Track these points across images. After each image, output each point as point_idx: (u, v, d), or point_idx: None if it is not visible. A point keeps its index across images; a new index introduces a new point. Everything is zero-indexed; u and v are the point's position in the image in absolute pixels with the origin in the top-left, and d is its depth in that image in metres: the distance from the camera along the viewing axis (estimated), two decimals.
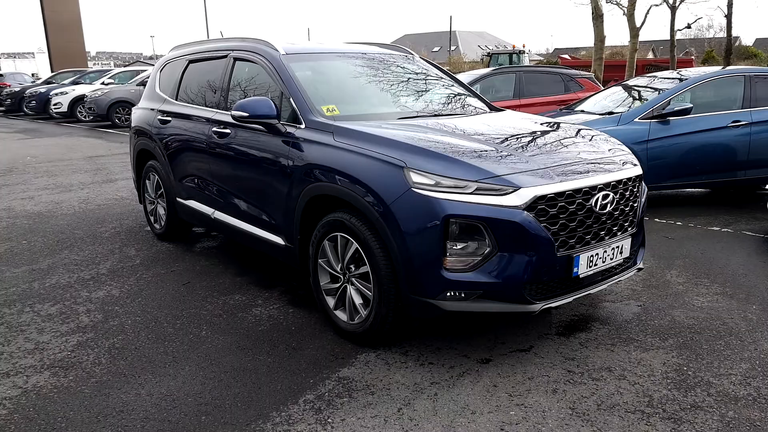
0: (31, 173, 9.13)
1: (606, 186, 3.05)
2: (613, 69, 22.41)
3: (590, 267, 2.99)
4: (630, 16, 19.86)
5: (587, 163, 3.12)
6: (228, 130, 4.05)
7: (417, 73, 4.44)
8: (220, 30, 75.59)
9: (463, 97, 4.36)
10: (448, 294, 2.79)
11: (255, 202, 3.88)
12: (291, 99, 3.61)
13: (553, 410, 2.57)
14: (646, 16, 30.44)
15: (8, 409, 2.63)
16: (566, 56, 41.38)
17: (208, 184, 4.39)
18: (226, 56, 4.38)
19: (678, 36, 27.16)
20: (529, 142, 3.31)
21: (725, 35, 24.40)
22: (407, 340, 3.25)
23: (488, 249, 2.76)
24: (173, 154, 4.80)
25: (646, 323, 3.45)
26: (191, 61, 4.90)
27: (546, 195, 2.80)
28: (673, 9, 22.32)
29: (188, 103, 4.73)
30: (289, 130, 3.54)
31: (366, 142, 3.11)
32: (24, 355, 3.15)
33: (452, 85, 4.48)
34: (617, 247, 3.13)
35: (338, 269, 3.27)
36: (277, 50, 3.95)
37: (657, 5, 21.49)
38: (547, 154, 3.11)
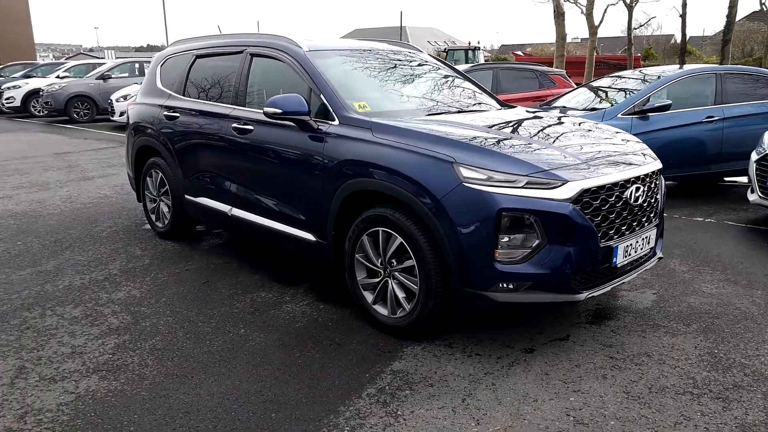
0: (0, 171, 8.73)
1: (637, 179, 3.21)
2: (572, 65, 23.12)
3: (626, 257, 3.15)
4: (588, 14, 20.52)
5: (619, 157, 3.27)
6: (250, 126, 4.02)
7: (430, 70, 4.52)
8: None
9: (476, 92, 4.46)
10: (500, 286, 2.88)
11: (281, 198, 3.87)
12: (321, 95, 3.62)
13: (609, 395, 2.70)
14: (603, 15, 31.49)
15: (68, 415, 2.57)
16: (519, 53, 42.22)
17: (224, 180, 4.35)
18: (241, 52, 4.34)
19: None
20: (561, 136, 3.44)
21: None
22: (448, 332, 3.34)
23: (538, 241, 2.86)
24: (182, 151, 4.72)
25: (666, 310, 3.65)
26: (198, 56, 4.82)
27: (590, 188, 2.93)
28: (630, 8, 23.17)
29: (198, 98, 4.66)
30: (321, 126, 3.55)
31: (409, 138, 3.17)
32: (64, 360, 3.07)
33: (463, 81, 4.57)
34: (646, 237, 3.30)
35: (378, 264, 3.32)
36: (300, 47, 3.95)
37: (614, 4, 22.23)
38: (581, 148, 3.24)
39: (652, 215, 3.38)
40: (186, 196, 4.79)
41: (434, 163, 2.98)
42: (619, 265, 3.11)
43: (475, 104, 4.24)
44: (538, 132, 3.51)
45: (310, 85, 3.72)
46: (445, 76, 4.52)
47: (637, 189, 3.19)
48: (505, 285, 2.88)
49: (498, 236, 2.83)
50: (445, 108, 3.94)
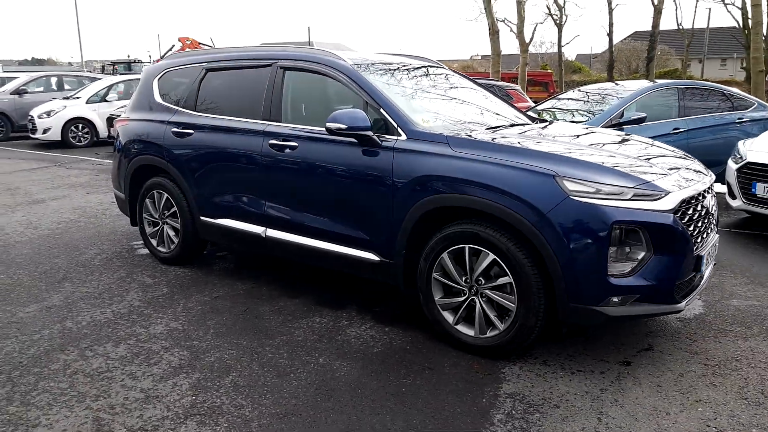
0: None
1: (709, 189, 3.33)
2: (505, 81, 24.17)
3: (706, 264, 3.25)
4: (520, 33, 21.56)
5: (691, 168, 3.39)
6: (293, 143, 3.79)
7: (464, 85, 4.49)
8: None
9: (511, 107, 4.49)
10: (612, 300, 2.87)
11: (335, 217, 3.67)
12: (382, 110, 3.48)
13: (731, 402, 2.76)
14: (533, 33, 33.21)
15: None
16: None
17: (256, 200, 4.06)
18: (269, 65, 4.10)
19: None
20: (632, 149, 3.50)
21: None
22: (530, 350, 3.27)
23: (644, 253, 2.89)
24: (197, 170, 4.36)
25: (720, 314, 3.80)
26: (210, 70, 4.50)
27: (687, 198, 3.00)
28: (560, 27, 24.57)
29: (217, 114, 4.34)
30: (386, 142, 3.41)
31: (498, 152, 3.10)
32: (142, 406, 2.70)
33: (495, 96, 4.58)
34: (714, 244, 3.43)
35: (462, 282, 3.21)
36: (345, 60, 3.79)
37: (541, 23, 23.61)
38: (657, 161, 3.32)
39: (715, 223, 3.51)
40: (202, 218, 4.43)
41: (534, 176, 2.93)
42: (704, 273, 3.20)
43: (521, 119, 4.25)
44: (609, 145, 3.56)
45: (366, 99, 3.56)
46: (479, 91, 4.50)
47: (711, 198, 3.31)
48: (615, 299, 2.87)
49: (609, 249, 2.82)
50: (503, 121, 3.92)
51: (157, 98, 4.79)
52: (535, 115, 6.11)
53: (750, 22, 17.00)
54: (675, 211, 2.92)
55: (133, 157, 4.84)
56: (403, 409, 2.71)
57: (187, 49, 24.55)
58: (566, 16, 24.74)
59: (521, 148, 3.11)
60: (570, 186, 2.85)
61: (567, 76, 34.16)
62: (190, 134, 4.39)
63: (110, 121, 11.60)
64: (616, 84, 8.66)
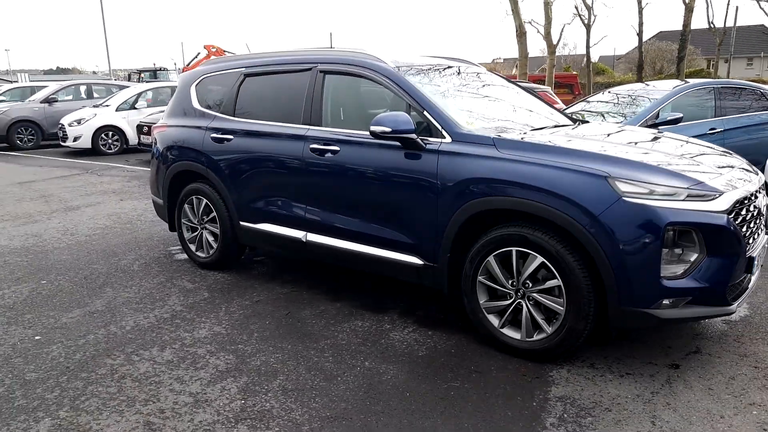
0: None
1: (759, 190, 3.27)
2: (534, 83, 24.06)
3: (757, 266, 3.18)
4: (547, 34, 21.45)
5: (741, 168, 3.33)
6: (335, 147, 3.81)
7: (503, 85, 4.47)
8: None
9: (550, 108, 4.45)
10: (664, 302, 2.83)
11: (378, 221, 3.67)
12: (426, 112, 3.48)
13: None
14: (561, 35, 33.03)
15: None
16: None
17: (296, 205, 4.08)
18: (309, 69, 4.12)
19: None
20: (681, 149, 3.45)
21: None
22: (576, 354, 3.23)
23: (698, 254, 2.84)
24: (237, 175, 4.41)
25: (766, 316, 3.72)
26: (248, 75, 4.55)
27: (740, 199, 2.95)
28: (588, 27, 24.39)
29: (257, 119, 4.38)
30: (430, 145, 3.41)
31: (547, 153, 3.08)
32: (192, 411, 2.73)
33: (533, 97, 4.55)
34: (765, 246, 3.36)
35: (509, 285, 3.19)
36: (387, 63, 3.80)
37: (569, 23, 23.49)
38: (707, 160, 3.27)
39: (765, 224, 3.44)
40: (241, 223, 4.47)
41: (586, 178, 2.91)
42: (754, 274, 3.14)
43: (563, 119, 4.22)
44: (658, 145, 3.51)
45: (409, 101, 3.57)
46: (519, 92, 4.48)
47: (763, 198, 3.25)
48: (667, 301, 2.83)
49: (662, 251, 2.78)
50: (545, 122, 3.90)
51: (195, 104, 4.85)
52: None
53: None
54: (729, 211, 2.87)
55: (172, 163, 4.90)
56: (453, 412, 2.70)
57: (213, 57, 24.89)
58: (594, 17, 24.50)
59: (571, 149, 3.08)
60: (623, 187, 2.82)
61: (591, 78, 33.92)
62: (229, 140, 4.44)
63: (140, 128, 11.77)
64: (646, 85, 8.56)
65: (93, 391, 2.93)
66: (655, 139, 3.75)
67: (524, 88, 4.69)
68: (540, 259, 3.03)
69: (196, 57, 26.07)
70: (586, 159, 2.99)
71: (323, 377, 3.04)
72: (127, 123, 13.03)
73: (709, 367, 3.08)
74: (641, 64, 25.48)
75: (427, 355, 3.27)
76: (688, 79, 8.98)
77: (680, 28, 23.48)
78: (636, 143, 3.50)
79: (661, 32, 49.26)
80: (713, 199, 2.85)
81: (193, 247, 4.93)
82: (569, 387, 2.90)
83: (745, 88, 7.49)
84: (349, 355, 3.28)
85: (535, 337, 3.14)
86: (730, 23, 36.03)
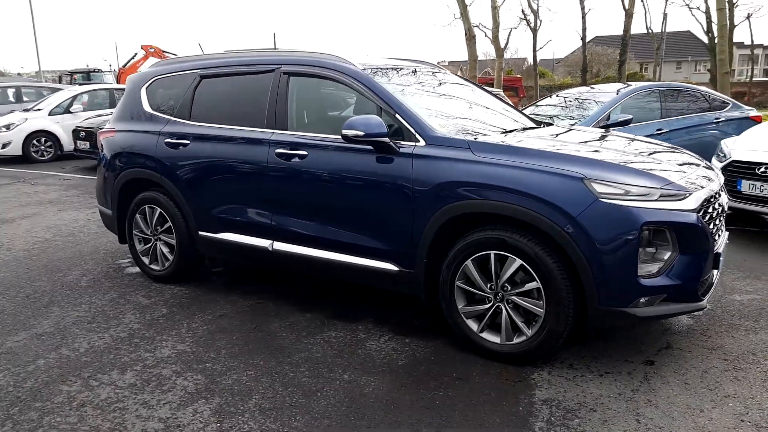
0: None
1: (721, 189, 3.38)
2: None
3: (722, 261, 3.28)
4: (495, 38, 21.87)
5: (703, 168, 3.42)
6: (302, 152, 3.68)
7: (468, 88, 4.45)
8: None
9: (515, 111, 4.47)
10: (641, 301, 2.86)
11: (351, 228, 3.56)
12: (398, 115, 3.41)
13: (757, 395, 2.79)
14: (508, 38, 33.76)
15: None
16: None
17: (261, 212, 3.92)
18: (271, 71, 3.97)
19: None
20: (647, 152, 3.51)
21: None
22: (554, 355, 3.24)
23: (670, 253, 2.89)
24: (194, 182, 4.20)
25: (727, 309, 3.85)
26: (205, 77, 4.34)
27: (707, 198, 3.03)
28: (535, 31, 25.05)
29: (214, 123, 4.18)
30: (404, 148, 3.34)
31: (523, 156, 3.07)
32: None
33: (497, 99, 4.56)
34: (725, 242, 3.47)
35: (487, 289, 3.16)
36: (355, 65, 3.71)
37: (515, 28, 24.07)
38: (670, 162, 3.34)
39: (724, 221, 3.56)
40: (201, 233, 4.26)
41: (562, 180, 2.91)
42: (719, 270, 3.23)
43: (529, 123, 4.23)
44: (625, 147, 3.56)
45: (381, 104, 3.49)
46: (484, 94, 4.47)
47: (723, 196, 3.35)
48: (644, 299, 2.86)
49: (639, 250, 2.81)
50: (513, 125, 3.90)
51: (146, 107, 4.59)
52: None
53: (714, 25, 17.59)
54: (698, 210, 2.93)
55: (121, 170, 4.63)
56: (440, 422, 2.63)
57: (151, 58, 23.94)
58: (540, 21, 25.22)
59: (545, 152, 3.08)
60: (599, 188, 2.83)
61: (532, 81, 34.90)
62: (185, 145, 4.23)
63: (77, 133, 11.17)
64: (591, 88, 8.82)
65: (51, 423, 2.69)
66: (621, 140, 3.82)
67: (488, 92, 4.70)
68: (518, 261, 3.01)
69: (132, 58, 25.10)
70: (561, 161, 2.99)
71: (301, 393, 2.91)
72: (62, 128, 12.33)
73: (682, 362, 3.15)
74: (585, 68, 26.39)
75: (407, 364, 3.20)
76: (630, 82, 9.30)
77: (615, 33, 24.48)
78: (605, 145, 3.55)
79: (597, 37, 51.11)
80: (684, 198, 2.91)
81: (146, 260, 4.67)
82: (552, 389, 2.89)
83: (688, 91, 7.83)
84: (326, 368, 3.16)
85: (515, 341, 3.12)
86: (657, 28, 37.88)
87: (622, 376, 3.01)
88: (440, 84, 4.22)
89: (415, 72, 4.18)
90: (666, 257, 2.89)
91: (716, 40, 17.88)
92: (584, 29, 25.86)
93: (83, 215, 7.21)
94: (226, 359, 3.29)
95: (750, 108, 8.10)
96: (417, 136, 3.34)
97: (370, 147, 3.40)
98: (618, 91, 7.52)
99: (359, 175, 3.46)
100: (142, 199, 4.56)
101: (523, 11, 26.18)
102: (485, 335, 3.21)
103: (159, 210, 4.47)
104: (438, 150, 3.26)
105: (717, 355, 3.21)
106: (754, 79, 38.85)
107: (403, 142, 3.36)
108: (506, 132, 3.68)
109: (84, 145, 11.14)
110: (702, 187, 3.07)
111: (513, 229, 3.04)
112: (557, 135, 3.72)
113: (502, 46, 22.65)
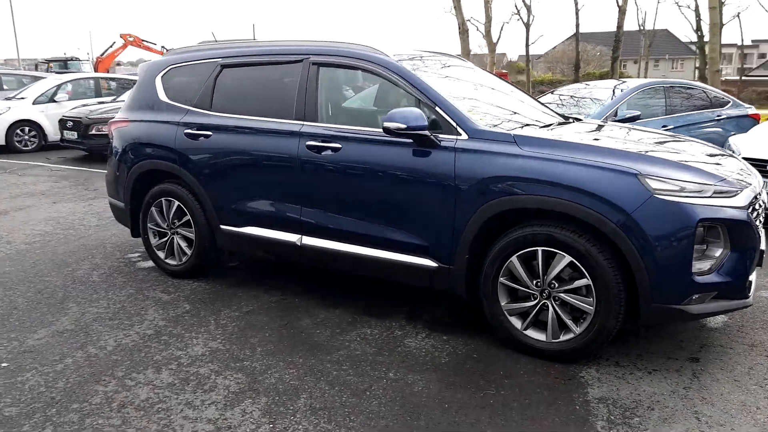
0: None
1: (764, 186, 3.38)
2: None
3: (763, 259, 3.28)
4: (487, 32, 21.91)
5: (744, 166, 3.42)
6: (336, 144, 3.58)
7: (496, 81, 4.39)
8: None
9: (543, 106, 4.43)
10: (693, 298, 2.84)
11: (387, 222, 3.48)
12: (438, 108, 3.34)
13: None
14: (500, 33, 33.83)
15: None
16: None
17: (289, 206, 3.81)
18: (299, 61, 3.86)
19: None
20: (686, 146, 3.49)
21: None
22: (598, 353, 3.21)
23: (722, 249, 2.88)
24: (216, 175, 4.07)
25: (758, 305, 3.86)
26: (226, 66, 4.21)
27: (755, 194, 3.02)
28: (528, 26, 25.16)
29: (236, 114, 4.05)
30: (446, 141, 3.26)
31: (575, 151, 3.02)
32: None
33: (523, 93, 4.51)
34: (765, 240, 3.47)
35: (533, 286, 3.11)
36: (389, 55, 3.62)
37: (507, 22, 24.14)
38: (716, 158, 3.33)
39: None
40: (222, 226, 4.14)
41: (616, 176, 2.87)
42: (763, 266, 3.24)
43: (558, 117, 4.19)
44: (668, 143, 3.54)
45: (420, 97, 3.40)
46: (508, 87, 4.42)
47: (765, 194, 3.36)
48: (696, 296, 2.85)
49: (694, 247, 2.79)
50: (548, 120, 3.85)
51: (162, 97, 4.43)
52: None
53: (703, 24, 17.79)
54: (747, 207, 2.92)
55: (136, 162, 4.46)
56: (500, 422, 2.58)
57: (130, 47, 23.31)
58: (533, 16, 25.38)
59: (595, 147, 3.04)
60: (654, 184, 2.80)
61: (513, 77, 35.07)
62: (207, 136, 4.09)
63: (63, 123, 10.84)
64: (587, 84, 8.83)
65: (93, 425, 2.57)
66: (663, 137, 3.81)
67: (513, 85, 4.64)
68: (568, 258, 2.97)
69: (111, 47, 24.53)
70: (613, 156, 2.95)
71: (350, 393, 2.83)
72: (46, 117, 11.95)
73: (726, 359, 3.14)
74: (578, 65, 26.61)
75: (450, 362, 3.14)
76: (624, 79, 9.37)
77: (596, 30, 24.72)
78: (653, 141, 3.52)
79: (573, 34, 51.53)
80: (735, 195, 2.89)
81: (161, 254, 4.52)
82: (605, 387, 2.86)
83: (690, 87, 7.89)
84: (369, 366, 3.09)
85: (562, 338, 3.08)
86: (633, 27, 38.34)
87: (671, 373, 3.00)
88: (469, 76, 4.15)
89: (444, 64, 4.10)
90: (718, 254, 2.88)
91: (705, 38, 18.14)
92: (577, 25, 26.04)
93: (80, 207, 6.99)
94: (263, 357, 3.19)
95: (749, 106, 8.20)
96: (458, 129, 3.27)
97: (410, 140, 3.32)
98: (615, 88, 7.55)
99: (397, 169, 3.38)
100: (158, 192, 4.41)
101: (516, 5, 26.75)
102: (529, 333, 3.16)
103: (177, 203, 4.32)
104: (482, 144, 3.19)
105: (759, 352, 3.22)
106: (727, 78, 39.60)
107: (442, 135, 3.28)
108: (544, 126, 3.63)
109: (71, 135, 10.82)
110: (749, 184, 3.07)
111: (562, 225, 2.99)
112: (596, 130, 3.68)
113: (494, 40, 22.72)
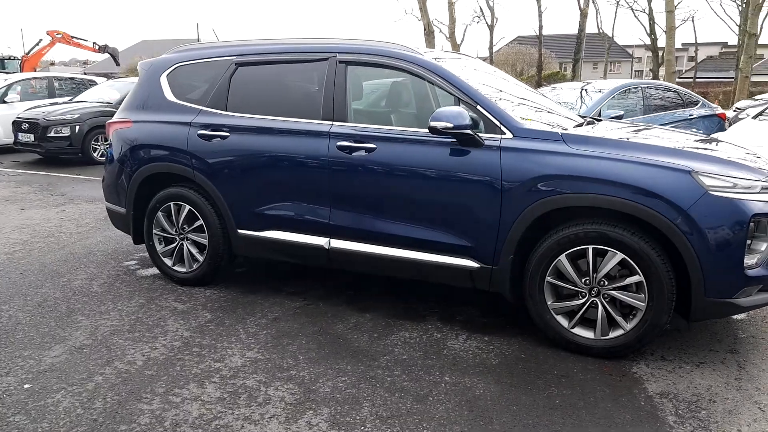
0: None
1: None
2: None
3: None
4: (451, 34, 22.08)
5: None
6: (371, 144, 3.48)
7: (517, 81, 4.40)
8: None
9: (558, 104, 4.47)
10: (744, 291, 2.91)
11: (426, 224, 3.41)
12: (480, 107, 3.30)
13: None
14: (464, 35, 34.14)
15: None
16: None
17: (318, 208, 3.69)
18: (324, 59, 3.74)
19: None
20: (720, 146, 3.58)
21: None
22: (643, 349, 3.24)
23: (767, 244, 2.96)
24: (237, 177, 3.90)
25: None
26: (242, 64, 4.03)
27: None
28: (491, 28, 25.55)
29: (255, 114, 3.89)
30: (491, 141, 3.23)
31: (626, 149, 3.06)
32: None
33: (540, 94, 4.54)
34: None
35: (582, 284, 3.11)
36: (423, 54, 3.56)
37: (469, 24, 24.47)
38: (744, 155, 3.43)
39: None
40: (240, 231, 3.96)
41: (670, 173, 2.90)
42: None
43: (583, 117, 4.22)
44: (703, 141, 3.62)
45: (460, 96, 3.35)
46: (526, 87, 4.44)
47: None
48: (747, 290, 2.92)
49: (746, 242, 2.86)
50: (578, 119, 3.88)
51: (169, 96, 4.21)
52: None
53: (658, 27, 18.42)
54: None
55: (141, 165, 4.22)
56: (574, 422, 2.56)
57: (58, 44, 22.10)
58: (496, 19, 25.86)
59: (645, 144, 3.07)
60: (707, 181, 2.85)
61: None
62: (224, 137, 3.90)
63: (17, 125, 10.21)
64: (553, 87, 9.04)
65: None
66: (694, 135, 3.90)
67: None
68: (620, 255, 2.98)
69: (37, 44, 23.15)
70: (666, 154, 2.99)
71: (412, 399, 2.74)
72: None
73: (763, 350, 3.24)
74: (540, 66, 27.24)
75: (501, 363, 3.10)
76: (589, 80, 9.63)
77: (534, 33, 25.35)
78: (687, 139, 3.60)
79: (519, 36, 52.82)
80: None
81: (168, 261, 4.29)
82: (662, 382, 2.89)
83: (667, 88, 8.19)
84: (422, 370, 3.01)
85: (611, 335, 3.09)
86: (566, 30, 39.66)
87: (717, 365, 3.06)
88: (494, 77, 4.14)
89: (470, 65, 4.07)
90: (763, 248, 2.95)
91: (658, 42, 18.90)
92: (540, 27, 26.61)
93: (53, 214, 6.59)
94: (308, 365, 3.07)
95: (716, 105, 8.59)
96: (503, 128, 3.24)
97: (453, 139, 3.27)
98: (582, 90, 7.77)
99: (439, 169, 3.32)
100: (166, 196, 4.18)
101: (480, 7, 27.20)
102: (577, 331, 3.17)
103: (188, 207, 4.11)
104: (528, 143, 3.17)
105: None
106: (678, 79, 41.63)
107: (487, 135, 3.25)
108: (580, 125, 3.65)
109: (27, 137, 10.24)
110: None
111: (613, 222, 3.00)
112: (632, 129, 3.73)
113: (458, 42, 22.98)
